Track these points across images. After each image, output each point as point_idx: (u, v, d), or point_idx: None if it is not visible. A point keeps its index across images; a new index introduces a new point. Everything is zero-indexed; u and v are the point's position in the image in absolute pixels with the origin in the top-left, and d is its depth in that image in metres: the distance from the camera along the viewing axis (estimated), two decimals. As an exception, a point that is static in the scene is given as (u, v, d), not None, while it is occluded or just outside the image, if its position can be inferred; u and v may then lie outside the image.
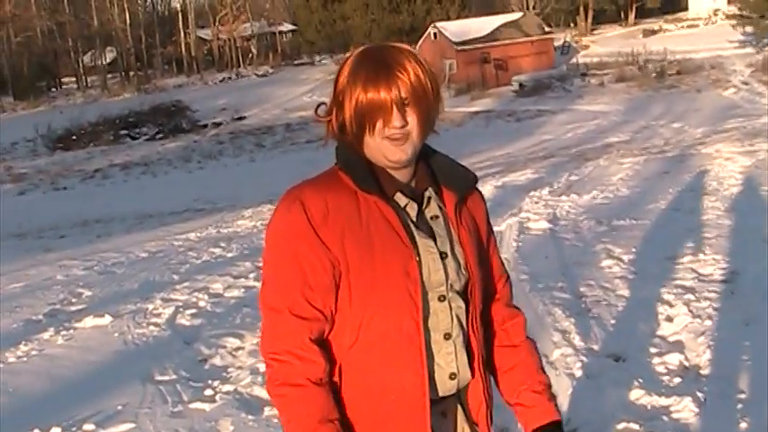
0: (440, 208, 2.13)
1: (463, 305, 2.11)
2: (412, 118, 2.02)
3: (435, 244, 2.06)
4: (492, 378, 2.24)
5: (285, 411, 2.00)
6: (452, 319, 2.09)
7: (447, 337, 2.08)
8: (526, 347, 2.27)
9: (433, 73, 2.09)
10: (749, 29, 45.24)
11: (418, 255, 2.02)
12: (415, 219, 2.07)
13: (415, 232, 2.05)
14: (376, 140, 2.03)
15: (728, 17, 52.66)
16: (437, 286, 2.06)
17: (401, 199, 2.07)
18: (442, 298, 2.07)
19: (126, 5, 76.29)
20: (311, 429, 1.95)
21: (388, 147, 2.03)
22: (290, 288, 2.00)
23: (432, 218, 2.11)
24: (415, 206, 2.08)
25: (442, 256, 2.07)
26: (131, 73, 75.24)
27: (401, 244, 2.01)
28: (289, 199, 2.05)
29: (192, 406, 5.38)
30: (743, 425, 4.40)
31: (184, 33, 79.04)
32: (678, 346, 5.53)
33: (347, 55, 2.15)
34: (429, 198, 2.11)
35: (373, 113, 2.01)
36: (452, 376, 2.09)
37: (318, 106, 2.20)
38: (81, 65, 76.02)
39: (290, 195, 2.06)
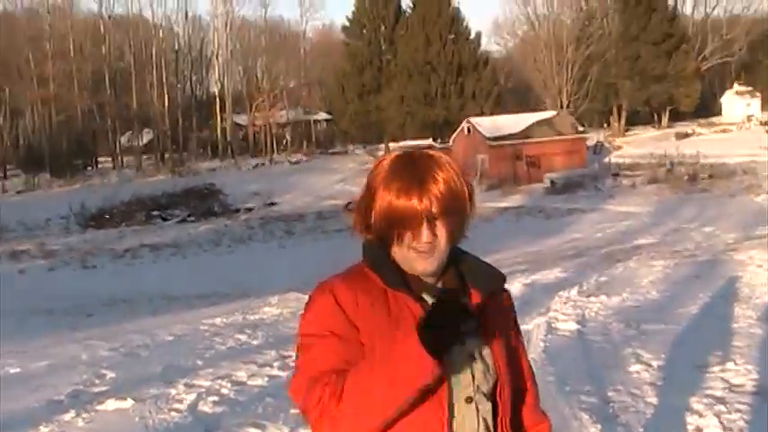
0: None
1: (490, 407, 2.08)
2: (441, 232, 2.02)
3: (463, 345, 2.03)
4: None
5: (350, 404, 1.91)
6: (479, 422, 2.05)
7: None
8: None
9: (468, 182, 2.10)
10: (783, 135, 45.39)
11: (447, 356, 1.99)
12: None
13: None
14: (403, 250, 2.04)
15: (762, 123, 52.88)
16: (464, 387, 2.03)
17: (429, 299, 2.05)
18: (468, 400, 2.04)
19: (165, 89, 77.76)
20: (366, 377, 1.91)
21: (415, 258, 2.03)
22: (327, 363, 1.99)
23: None
24: None
25: (470, 357, 2.04)
26: (166, 155, 76.29)
27: None
28: (321, 290, 2.09)
29: (211, 497, 5.31)
30: None
31: (221, 118, 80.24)
32: (708, 459, 5.42)
33: (382, 156, 2.17)
34: None
35: (403, 224, 2.02)
36: None
37: (348, 204, 2.25)
38: (118, 145, 77.21)
39: (323, 287, 2.10)
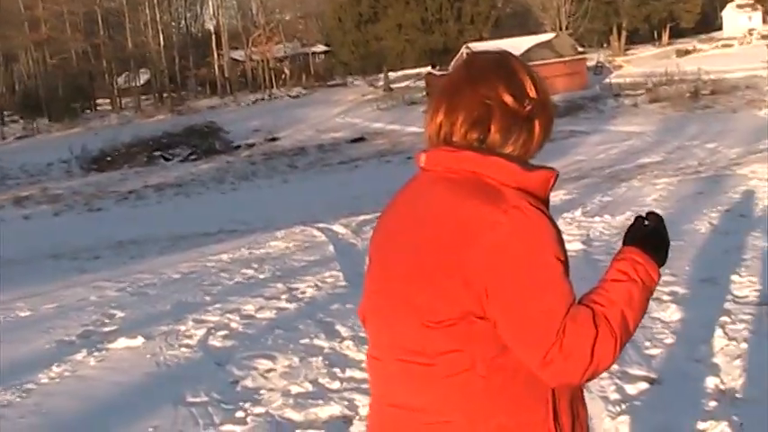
0: None
1: None
2: None
3: None
4: None
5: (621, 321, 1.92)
6: None
7: None
8: None
9: None
10: (784, 49, 45.01)
11: None
12: None
13: None
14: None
15: (763, 37, 52.41)
16: None
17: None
18: None
19: (160, 27, 77.18)
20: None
21: None
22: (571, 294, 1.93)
23: None
24: None
25: None
26: (165, 95, 75.97)
27: None
28: (541, 212, 1.96)
29: (224, 428, 5.38)
30: (781, 450, 4.33)
31: (218, 55, 79.75)
32: (714, 370, 5.46)
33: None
34: None
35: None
36: None
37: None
38: (115, 87, 76.88)
39: (539, 211, 1.96)
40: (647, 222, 2.14)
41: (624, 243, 2.11)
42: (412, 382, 1.99)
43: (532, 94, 2.05)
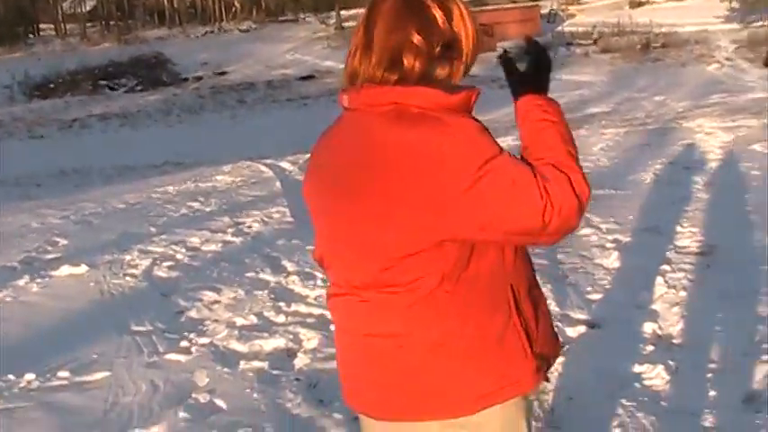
0: None
1: None
2: None
3: None
4: None
5: None
6: None
7: None
8: None
9: None
10: (735, 4, 45.23)
11: None
12: None
13: None
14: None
15: (716, -9, 52.68)
16: None
17: None
18: None
19: (109, -47, 75.40)
20: None
21: None
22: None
23: None
24: None
25: None
26: (111, 23, 74.43)
27: None
28: (471, 118, 2.04)
29: (168, 357, 5.39)
30: (712, 393, 4.46)
31: (168, -15, 78.22)
32: (653, 315, 5.58)
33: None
34: None
35: None
36: None
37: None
38: (60, 12, 75.13)
39: (468, 117, 2.05)
40: (510, 55, 2.25)
41: (516, 92, 2.21)
42: (384, 310, 2.05)
43: (445, 27, 2.06)
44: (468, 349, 2.05)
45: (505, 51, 2.21)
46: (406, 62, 2.03)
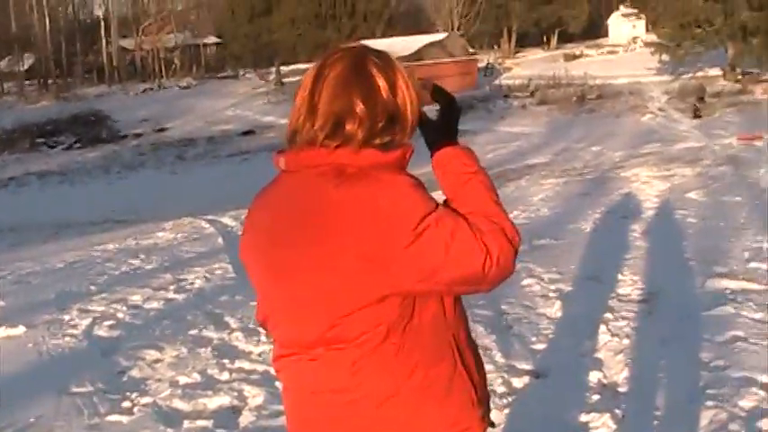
0: None
1: None
2: None
3: None
4: None
5: None
6: None
7: None
8: None
9: None
10: (666, 57, 46.24)
11: None
12: None
13: None
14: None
15: (647, 45, 53.83)
16: None
17: None
18: None
19: (47, 11, 75.01)
20: None
21: None
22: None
23: None
24: None
25: None
26: (50, 80, 73.89)
27: None
28: (406, 177, 2.06)
29: (109, 418, 5.28)
30: (659, 442, 4.48)
31: (106, 42, 77.96)
32: (597, 364, 5.61)
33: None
34: None
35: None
36: None
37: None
38: (-2, 70, 74.45)
39: (403, 175, 2.08)
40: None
41: (431, 145, 2.22)
42: (332, 366, 2.06)
43: (389, 98, 2.08)
44: (417, 400, 2.06)
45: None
46: (348, 128, 2.04)
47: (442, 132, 2.21)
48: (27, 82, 72.77)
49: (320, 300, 2.01)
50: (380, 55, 2.14)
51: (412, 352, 2.04)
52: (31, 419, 5.33)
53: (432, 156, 2.21)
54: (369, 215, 1.94)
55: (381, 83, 2.08)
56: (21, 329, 7.51)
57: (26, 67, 74.96)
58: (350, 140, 2.04)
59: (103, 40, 77.75)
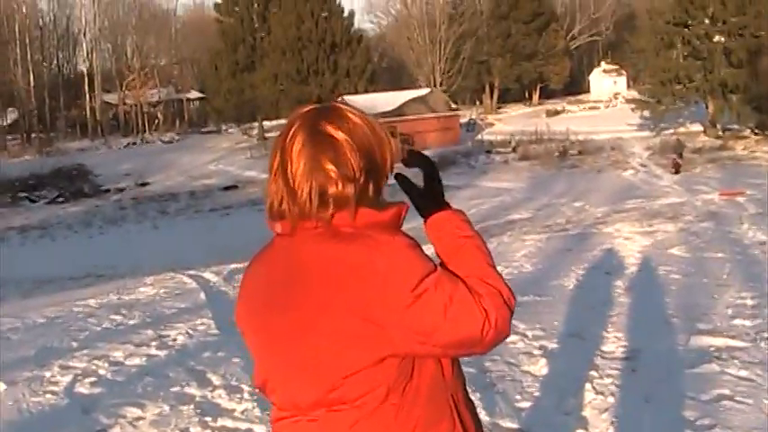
0: None
1: None
2: None
3: None
4: None
5: None
6: None
7: None
8: None
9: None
10: (647, 113, 46.78)
11: None
12: None
13: None
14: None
15: (628, 101, 54.50)
16: None
17: None
18: None
19: (30, 66, 75.30)
20: None
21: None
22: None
23: None
24: None
25: None
26: (33, 135, 73.94)
27: None
28: (401, 238, 2.07)
29: (90, 478, 5.21)
30: (646, 502, 4.45)
31: (90, 97, 78.27)
32: (582, 422, 5.58)
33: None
34: None
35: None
36: None
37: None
38: (-20, 125, 74.45)
39: (399, 238, 2.08)
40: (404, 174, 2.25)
41: (422, 211, 2.23)
42: (332, 428, 2.06)
43: (353, 147, 2.08)
44: None
45: (397, 173, 2.23)
46: (332, 193, 2.04)
47: (430, 198, 2.22)
48: (9, 136, 72.82)
49: (318, 361, 2.02)
50: (330, 110, 2.14)
51: (411, 413, 2.04)
52: (10, 480, 5.26)
53: (425, 222, 2.22)
54: (367, 276, 1.95)
55: (341, 136, 2.07)
56: (1, 387, 7.43)
57: (9, 121, 75.09)
58: (343, 204, 2.05)
59: (87, 95, 78.03)
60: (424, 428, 2.06)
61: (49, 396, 7.09)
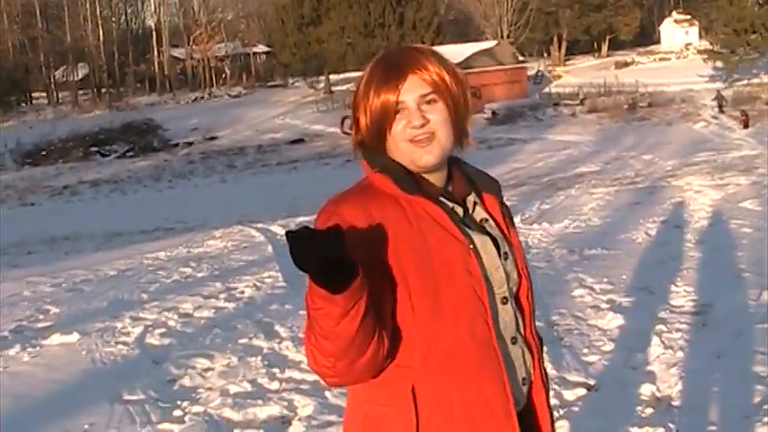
0: (487, 212, 2.06)
1: (518, 309, 2.06)
2: (434, 116, 1.93)
3: (495, 244, 1.99)
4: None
5: None
6: (517, 322, 2.03)
7: (514, 341, 2.03)
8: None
9: (458, 72, 2.03)
10: (719, 63, 45.74)
11: (474, 246, 1.93)
12: (463, 221, 1.98)
13: (469, 231, 1.95)
14: (399, 145, 1.94)
15: (700, 52, 53.29)
16: (499, 286, 1.98)
17: (446, 202, 1.97)
18: (504, 300, 1.99)
19: (100, 22, 76.17)
20: None
21: (414, 150, 1.93)
22: None
23: (482, 221, 2.03)
24: (461, 210, 1.99)
25: (504, 256, 2.01)
26: (103, 90, 74.94)
27: (456, 240, 1.91)
28: (325, 216, 1.89)
29: (161, 427, 5.30)
30: (715, 457, 4.40)
31: (158, 52, 78.96)
32: (650, 377, 5.53)
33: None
34: (474, 202, 2.04)
35: (387, 116, 1.92)
36: (524, 381, 2.06)
37: (343, 120, 2.08)
38: (52, 80, 75.62)
39: (326, 212, 1.90)
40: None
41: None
42: None
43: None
44: None
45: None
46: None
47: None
48: (80, 91, 73.90)
49: None
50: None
51: (362, 389, 2.00)
52: (85, 426, 5.37)
53: None
54: None
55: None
56: (75, 337, 7.59)
57: (80, 77, 76.12)
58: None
59: (155, 50, 78.68)
60: (371, 404, 1.99)
61: (120, 347, 7.23)
